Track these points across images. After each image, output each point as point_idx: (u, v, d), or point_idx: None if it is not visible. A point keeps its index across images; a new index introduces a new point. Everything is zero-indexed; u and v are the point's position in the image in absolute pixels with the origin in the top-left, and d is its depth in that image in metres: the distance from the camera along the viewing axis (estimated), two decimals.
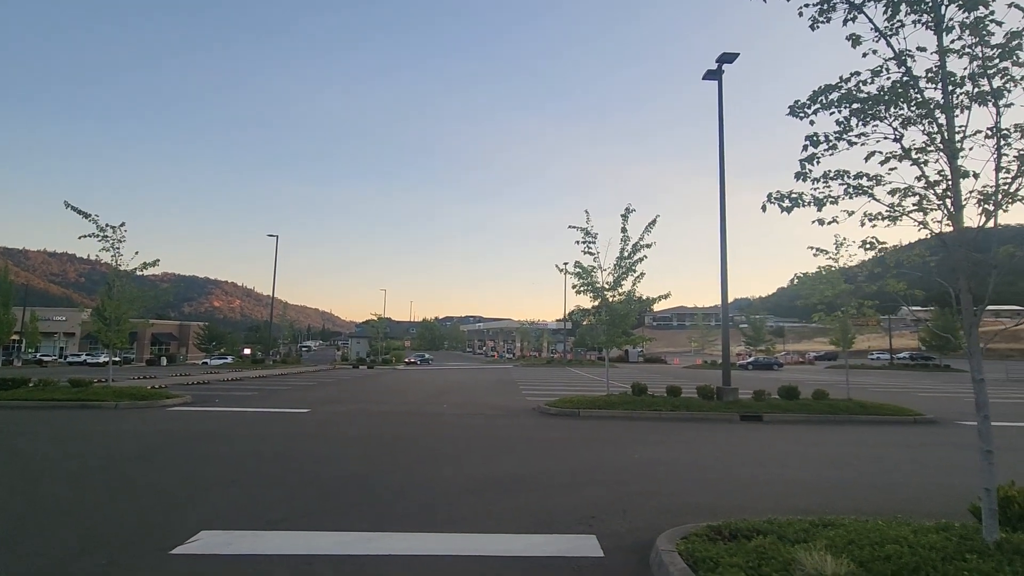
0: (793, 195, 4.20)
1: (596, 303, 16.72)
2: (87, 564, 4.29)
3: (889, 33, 4.09)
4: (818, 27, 4.39)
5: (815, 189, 4.18)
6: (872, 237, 4.25)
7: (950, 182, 3.94)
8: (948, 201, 3.92)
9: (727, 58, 16.43)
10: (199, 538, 4.85)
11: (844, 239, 14.55)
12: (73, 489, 6.61)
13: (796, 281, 16.49)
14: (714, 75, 16.82)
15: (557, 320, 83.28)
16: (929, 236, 4.23)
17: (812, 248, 14.22)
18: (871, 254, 4.68)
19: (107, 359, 51.95)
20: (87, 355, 57.22)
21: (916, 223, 4.04)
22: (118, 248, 17.17)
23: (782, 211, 4.21)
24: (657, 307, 17.70)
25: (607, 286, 16.23)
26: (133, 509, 5.76)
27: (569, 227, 16.25)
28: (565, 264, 20.00)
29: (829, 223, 4.21)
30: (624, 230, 15.93)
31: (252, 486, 6.80)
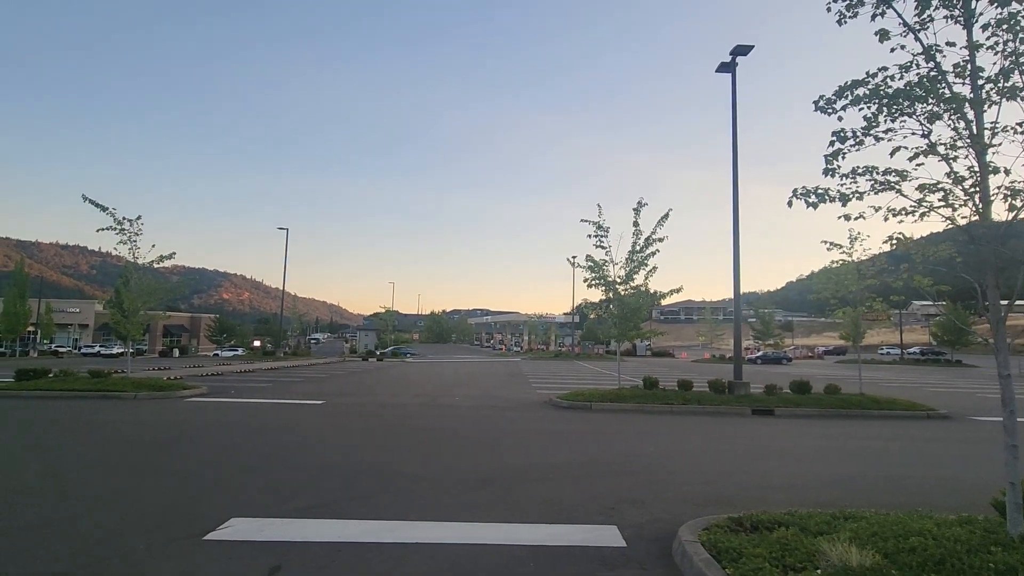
0: (819, 190, 4.21)
1: (607, 296, 16.74)
2: (125, 548, 4.42)
3: (918, 28, 4.07)
4: (845, 22, 4.38)
5: (842, 185, 4.18)
6: (899, 233, 4.26)
7: (978, 177, 3.93)
8: (976, 197, 3.92)
9: (741, 50, 16.24)
10: (230, 525, 4.97)
11: (859, 233, 14.54)
12: (103, 476, 6.77)
13: (827, 268, 16.46)
14: (728, 68, 16.62)
15: (565, 313, 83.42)
16: (946, 230, 4.24)
17: (826, 242, 14.43)
18: (890, 248, 4.67)
19: (120, 350, 52.88)
20: (100, 346, 57.93)
21: (943, 218, 4.04)
22: (135, 241, 17.39)
23: (808, 206, 4.22)
24: (665, 301, 17.65)
25: (619, 280, 16.22)
26: (163, 496, 5.90)
27: (581, 221, 16.24)
28: (575, 257, 20.07)
29: (856, 219, 4.22)
30: (636, 224, 15.90)
31: (276, 475, 6.93)
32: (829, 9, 4.33)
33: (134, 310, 17.69)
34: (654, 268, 15.96)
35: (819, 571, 3.60)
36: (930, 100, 4.04)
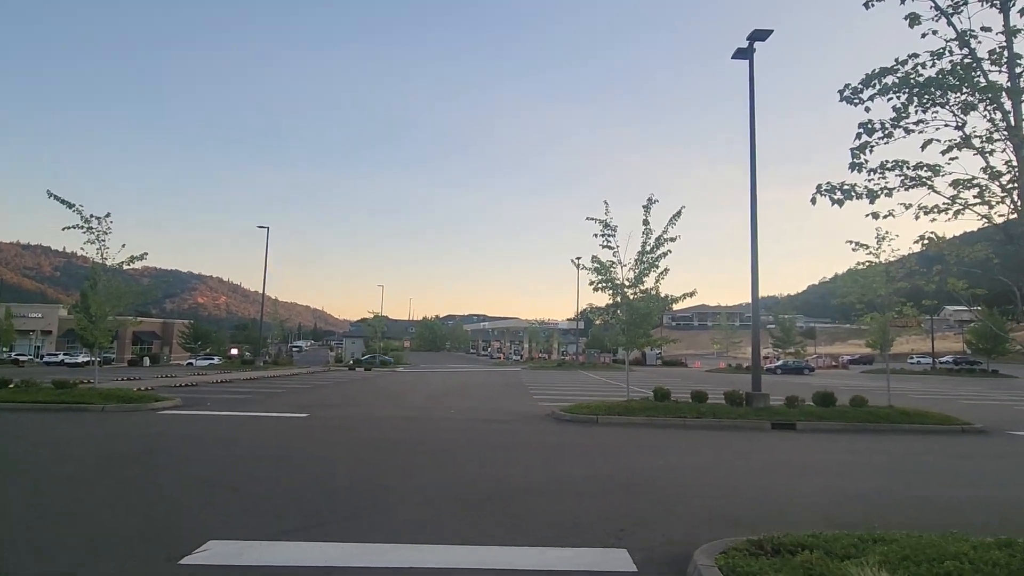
0: (845, 187, 4.24)
1: (614, 301, 16.74)
2: (96, 572, 4.41)
3: (951, 12, 4.11)
4: (872, 5, 4.41)
5: (869, 180, 4.21)
6: (931, 232, 4.29)
7: (1017, 172, 3.96)
8: (1015, 193, 3.95)
9: (759, 35, 16.27)
10: (207, 548, 4.95)
11: (887, 233, 14.54)
12: (72, 494, 6.75)
13: (852, 270, 16.46)
14: (744, 54, 16.63)
15: (568, 319, 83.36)
16: (982, 229, 4.26)
17: (852, 242, 14.43)
18: (921, 249, 4.69)
19: (86, 359, 52.76)
20: (64, 354, 57.76)
21: (979, 216, 4.07)
22: (103, 240, 17.40)
23: (833, 203, 4.26)
24: (677, 305, 17.66)
25: (627, 283, 16.25)
26: (135, 516, 5.89)
27: (587, 219, 16.30)
28: (579, 259, 20.03)
29: (884, 217, 4.25)
30: (646, 222, 15.94)
31: (257, 493, 6.92)
32: None
33: (102, 315, 17.66)
34: (665, 270, 16.00)
35: None
36: (964, 89, 4.08)
